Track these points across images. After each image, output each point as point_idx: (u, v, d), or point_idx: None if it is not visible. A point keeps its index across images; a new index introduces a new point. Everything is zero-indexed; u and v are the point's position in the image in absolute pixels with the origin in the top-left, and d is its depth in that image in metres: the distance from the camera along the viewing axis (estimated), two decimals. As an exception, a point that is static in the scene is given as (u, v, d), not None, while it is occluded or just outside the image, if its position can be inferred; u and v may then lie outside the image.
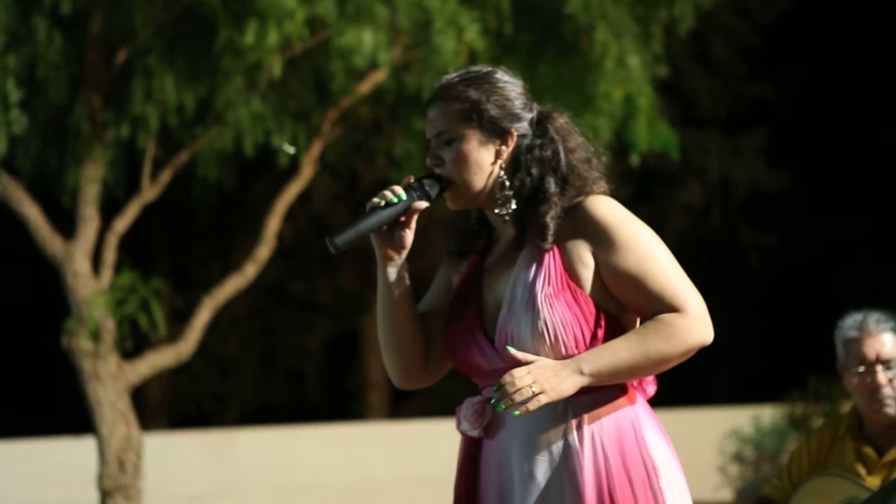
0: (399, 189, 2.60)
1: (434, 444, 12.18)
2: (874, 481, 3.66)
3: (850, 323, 3.74)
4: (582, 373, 2.49)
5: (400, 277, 2.64)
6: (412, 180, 2.62)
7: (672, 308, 2.53)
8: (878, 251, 16.76)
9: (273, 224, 8.46)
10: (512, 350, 2.52)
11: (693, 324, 2.53)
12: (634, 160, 8.43)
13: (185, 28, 7.62)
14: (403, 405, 17.37)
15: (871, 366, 3.68)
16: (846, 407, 4.21)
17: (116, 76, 7.78)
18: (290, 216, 12.58)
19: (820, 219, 17.58)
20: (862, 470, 3.70)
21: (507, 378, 2.47)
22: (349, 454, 12.17)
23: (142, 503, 7.69)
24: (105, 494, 7.54)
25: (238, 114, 7.69)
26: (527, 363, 2.50)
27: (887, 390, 3.67)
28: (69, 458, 10.79)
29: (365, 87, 8.20)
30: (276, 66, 7.45)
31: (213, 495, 11.66)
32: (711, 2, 8.64)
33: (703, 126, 16.42)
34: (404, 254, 2.64)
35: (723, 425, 12.87)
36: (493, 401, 2.48)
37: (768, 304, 18.01)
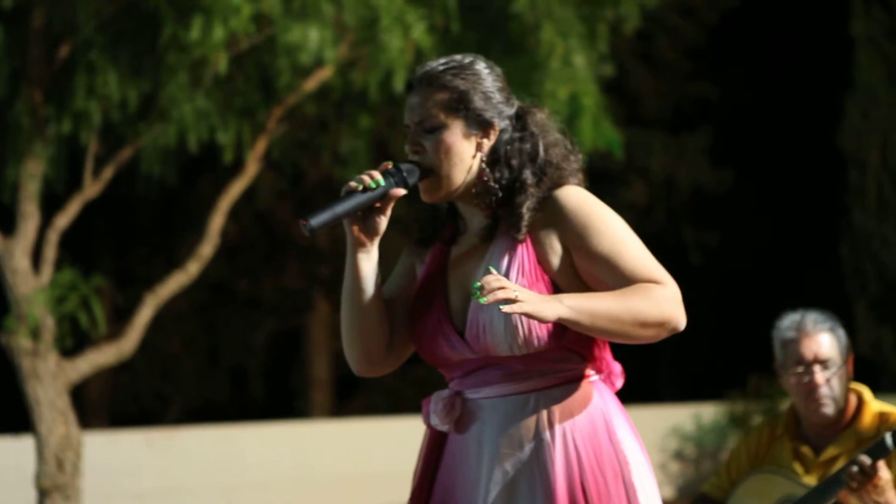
0: (377, 174, 2.56)
1: (378, 441, 12.18)
2: (811, 480, 3.69)
3: (787, 323, 3.77)
4: (562, 303, 2.44)
5: (370, 265, 2.61)
6: (390, 166, 2.58)
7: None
8: (819, 251, 16.94)
9: (217, 221, 8.40)
10: (493, 270, 2.45)
11: (672, 297, 2.53)
12: (579, 161, 8.45)
13: (129, 23, 7.56)
14: (347, 403, 17.34)
15: (808, 366, 3.71)
16: (785, 405, 4.25)
17: (58, 71, 7.70)
18: (235, 213, 12.53)
19: (762, 219, 17.74)
20: (799, 468, 3.74)
21: (490, 276, 2.40)
22: (293, 452, 12.13)
23: (81, 502, 7.61)
24: (43, 493, 7.45)
25: (182, 110, 7.64)
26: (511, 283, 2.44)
27: (824, 390, 3.70)
28: (7, 458, 10.66)
29: (310, 84, 8.17)
30: (221, 63, 7.41)
31: (155, 494, 11.58)
32: (656, 2, 8.70)
33: (648, 125, 16.52)
34: (377, 241, 2.61)
35: (664, 423, 12.96)
36: (473, 293, 2.40)
37: (710, 304, 18.15)
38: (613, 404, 2.62)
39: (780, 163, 17.53)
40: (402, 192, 2.57)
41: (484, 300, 2.37)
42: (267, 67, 8.01)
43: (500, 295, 2.38)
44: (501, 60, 8.22)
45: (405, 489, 2.69)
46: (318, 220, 2.51)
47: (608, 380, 2.65)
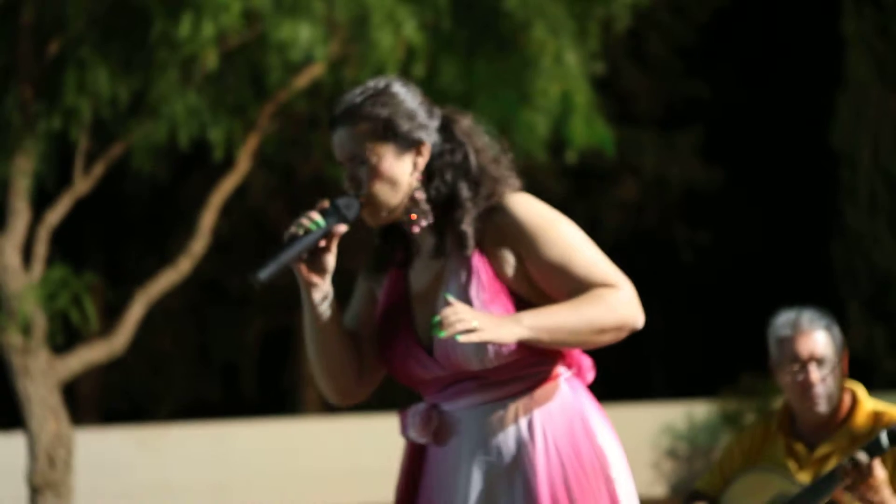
0: (315, 215, 2.56)
1: (368, 438, 12.17)
2: (805, 477, 3.69)
3: (782, 321, 3.77)
4: (521, 324, 2.46)
5: (325, 301, 2.60)
6: (327, 204, 2.58)
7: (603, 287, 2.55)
8: (811, 250, 16.96)
9: (208, 218, 8.39)
10: (451, 297, 2.47)
11: (624, 298, 2.53)
12: (571, 157, 8.46)
13: (119, 19, 7.54)
14: (339, 401, 17.32)
15: (803, 364, 3.71)
16: (778, 403, 4.25)
17: (48, 67, 7.68)
18: (226, 210, 12.48)
19: (754, 217, 17.76)
20: (793, 465, 3.74)
21: (448, 309, 2.43)
22: (284, 449, 12.12)
23: (72, 500, 7.60)
24: (35, 491, 7.44)
25: (173, 107, 7.63)
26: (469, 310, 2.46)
27: (819, 388, 3.70)
28: (-2, 455, 10.65)
29: (302, 81, 8.16)
30: (211, 60, 7.40)
31: (147, 491, 11.56)
32: (648, 0, 8.70)
33: (639, 123, 16.53)
34: (328, 278, 2.60)
35: (657, 421, 12.97)
36: (433, 329, 2.42)
37: (703, 301, 18.17)
38: (587, 399, 2.63)
39: (772, 161, 17.55)
40: (343, 228, 2.57)
41: (443, 334, 2.40)
42: (258, 64, 8.00)
43: (459, 327, 2.40)
44: (493, 58, 8.26)
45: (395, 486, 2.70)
46: (266, 272, 2.52)
47: (580, 375, 2.66)
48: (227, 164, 8.64)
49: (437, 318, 2.42)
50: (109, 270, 16.46)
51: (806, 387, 3.70)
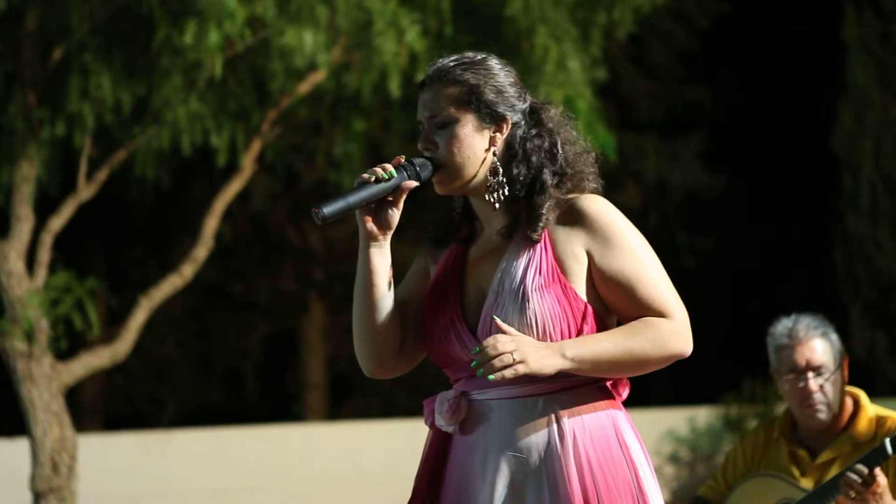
0: (390, 166, 2.56)
1: (372, 444, 12.18)
2: (808, 483, 3.70)
3: (780, 329, 3.77)
4: (564, 356, 2.46)
5: (382, 260, 2.58)
6: (403, 159, 2.57)
7: (659, 314, 2.53)
8: (812, 255, 16.97)
9: (211, 224, 8.40)
10: (498, 320, 2.48)
11: (677, 331, 2.53)
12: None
13: (123, 26, 7.55)
14: (341, 406, 17.33)
15: (801, 372, 3.72)
16: (780, 408, 4.25)
17: (52, 74, 7.69)
18: (229, 216, 12.52)
19: (755, 223, 17.76)
20: (796, 471, 3.74)
21: (489, 341, 2.42)
22: (287, 455, 12.12)
23: (76, 505, 7.60)
24: (38, 496, 7.44)
25: (176, 113, 7.63)
26: (510, 335, 2.46)
27: (819, 396, 3.71)
28: (1, 460, 10.66)
29: (304, 87, 8.18)
30: (216, 66, 7.41)
31: (150, 497, 11.57)
32: (650, 6, 8.71)
33: (641, 129, 16.54)
34: (389, 234, 2.59)
35: (659, 426, 12.97)
36: (473, 364, 2.43)
37: (705, 307, 18.15)
38: (621, 411, 2.62)
39: (774, 167, 17.55)
40: (414, 184, 2.56)
41: (481, 372, 2.41)
42: (261, 70, 8.01)
43: (497, 364, 2.41)
44: (496, 64, 8.26)
45: (399, 492, 2.69)
46: (330, 208, 2.49)
47: (615, 387, 2.65)
48: (230, 169, 8.65)
49: (477, 349, 2.42)
50: (112, 276, 16.48)
51: (805, 395, 3.71)
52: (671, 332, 2.52)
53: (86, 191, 8.01)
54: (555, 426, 2.52)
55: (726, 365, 14.63)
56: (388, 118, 8.81)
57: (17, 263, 7.51)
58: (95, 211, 12.02)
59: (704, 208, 17.30)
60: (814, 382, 3.70)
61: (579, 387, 2.55)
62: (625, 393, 2.67)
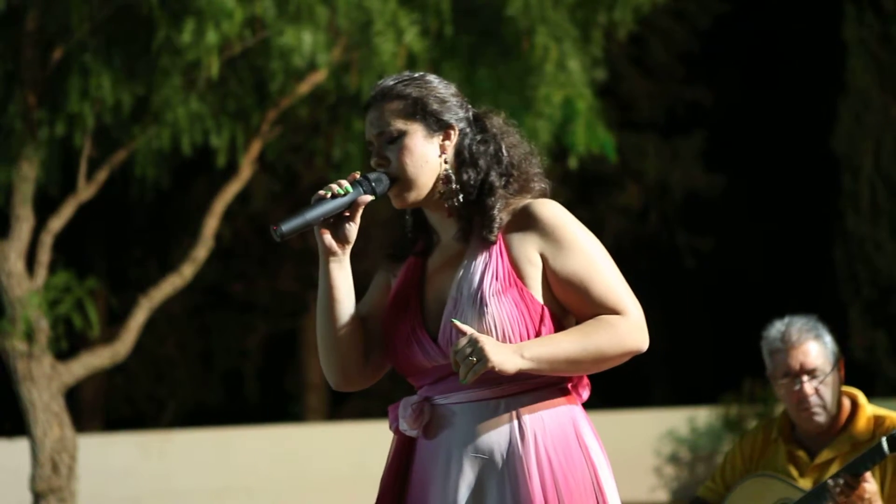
0: (345, 182, 2.61)
1: (372, 445, 12.16)
2: (806, 483, 3.70)
3: (773, 333, 3.77)
4: (523, 356, 2.51)
5: (342, 275, 2.64)
6: (358, 175, 2.63)
7: (614, 312, 2.58)
8: (812, 255, 16.96)
9: (211, 224, 8.40)
10: (457, 322, 2.53)
11: (632, 327, 2.58)
12: (573, 163, 8.47)
13: (123, 26, 7.56)
14: (342, 407, 17.33)
15: (796, 376, 3.71)
16: (779, 409, 4.25)
17: (52, 74, 7.69)
18: (229, 216, 12.51)
19: (755, 223, 17.76)
20: (794, 472, 3.74)
21: (454, 348, 2.49)
22: (287, 456, 12.12)
23: (76, 505, 7.61)
24: (38, 496, 7.45)
25: (176, 113, 7.64)
26: (471, 335, 2.51)
27: (814, 399, 3.70)
28: (1, 461, 10.66)
29: (304, 87, 8.18)
30: (214, 67, 7.41)
31: (150, 497, 11.57)
32: (650, 6, 8.71)
33: (641, 129, 16.54)
34: (348, 249, 2.64)
35: (658, 427, 12.97)
36: (461, 380, 2.49)
37: (704, 307, 18.17)
38: (580, 412, 2.66)
39: (774, 167, 17.55)
40: (369, 198, 2.62)
41: (465, 381, 2.48)
42: (260, 70, 8.01)
43: (469, 365, 2.47)
44: (495, 64, 8.27)
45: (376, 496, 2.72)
46: (288, 225, 2.56)
47: (575, 388, 2.69)
48: (230, 170, 8.65)
49: (454, 349, 2.48)
50: (112, 276, 16.48)
51: (801, 399, 3.71)
52: (626, 330, 2.57)
53: (86, 191, 8.01)
54: (516, 426, 2.57)
55: (726, 365, 14.64)
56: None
57: (17, 263, 7.51)
58: (95, 211, 12.02)
59: (704, 208, 17.30)
60: (809, 386, 3.69)
61: (540, 388, 2.60)
62: (585, 394, 2.71)
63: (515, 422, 2.57)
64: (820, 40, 16.19)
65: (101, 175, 8.06)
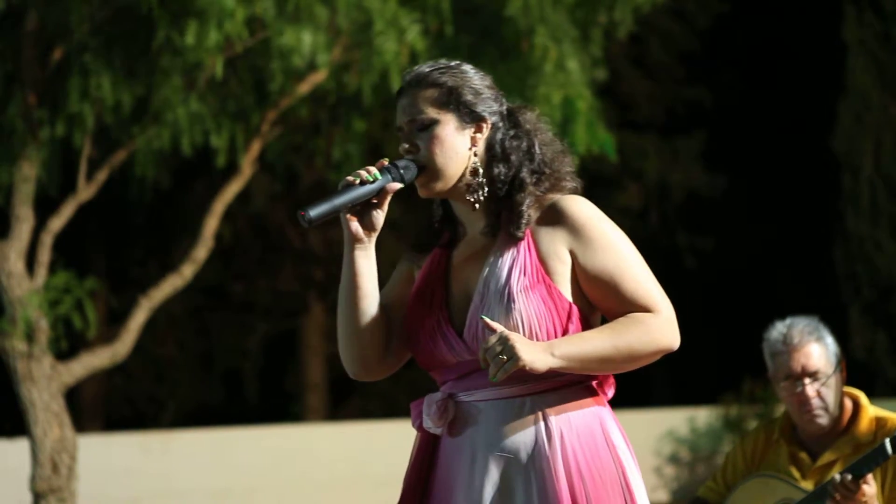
0: (374, 169, 2.58)
1: (372, 445, 12.17)
2: (808, 485, 3.69)
3: (775, 335, 3.76)
4: (553, 355, 2.48)
5: (367, 263, 2.61)
6: (387, 162, 2.60)
7: (644, 310, 2.56)
8: (812, 256, 16.96)
9: (211, 224, 8.40)
10: (486, 319, 2.50)
11: (664, 325, 2.56)
12: (573, 162, 8.46)
13: (123, 26, 7.55)
14: (342, 407, 17.33)
15: (798, 379, 3.70)
16: (780, 409, 4.24)
17: (52, 74, 7.69)
18: (229, 216, 12.51)
19: (756, 223, 17.76)
20: (796, 473, 3.74)
21: (483, 346, 2.46)
22: (287, 456, 12.12)
23: (76, 506, 7.60)
24: (38, 497, 7.44)
25: (176, 113, 7.63)
26: (501, 333, 2.48)
27: (816, 401, 3.70)
28: (1, 461, 10.66)
29: (304, 87, 8.17)
30: (217, 67, 7.41)
31: (149, 498, 11.57)
32: (650, 5, 8.70)
33: (641, 129, 16.54)
34: (374, 237, 2.61)
35: (659, 427, 12.97)
36: (491, 378, 2.46)
37: (705, 307, 18.16)
38: (607, 411, 2.64)
39: (774, 167, 17.55)
40: (398, 186, 2.59)
41: (495, 379, 2.44)
42: (261, 71, 8.01)
43: (499, 364, 2.44)
44: (495, 64, 8.27)
45: (399, 492, 2.70)
46: (316, 211, 2.52)
47: (601, 387, 2.66)
48: (230, 170, 8.65)
49: (483, 346, 2.45)
50: (112, 276, 16.48)
51: (803, 401, 3.70)
52: (658, 327, 2.55)
53: (86, 191, 8.01)
54: (542, 425, 2.54)
55: (726, 365, 14.64)
56: (389, 118, 8.81)
57: (17, 264, 7.51)
58: (95, 211, 12.02)
59: (704, 208, 17.30)
60: (811, 388, 3.68)
61: (566, 386, 2.57)
62: (610, 392, 2.69)
63: (541, 419, 2.54)
64: (820, 40, 16.19)
65: (101, 175, 8.06)
